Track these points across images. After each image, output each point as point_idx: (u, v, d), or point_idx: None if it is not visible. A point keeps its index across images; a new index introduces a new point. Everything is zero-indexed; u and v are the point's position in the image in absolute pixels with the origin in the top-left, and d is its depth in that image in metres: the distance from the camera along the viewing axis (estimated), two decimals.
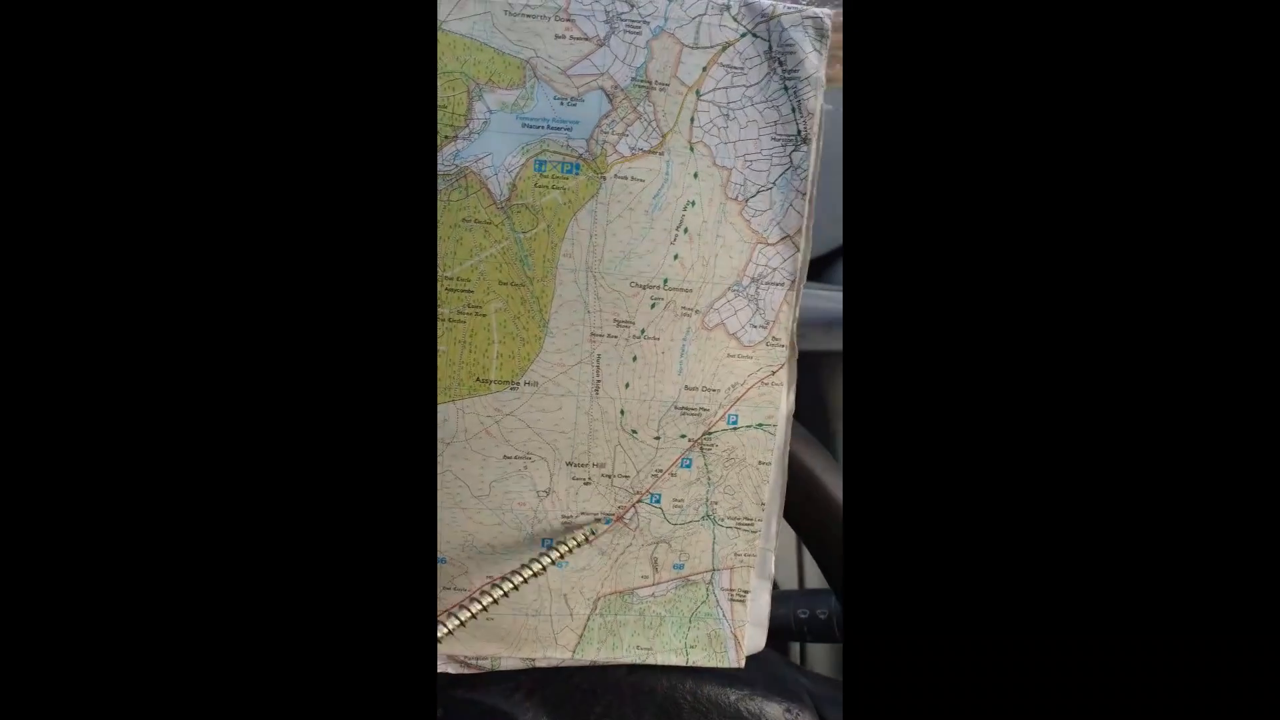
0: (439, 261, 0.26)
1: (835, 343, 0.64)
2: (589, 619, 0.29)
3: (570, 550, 0.27)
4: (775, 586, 0.62)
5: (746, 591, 0.30)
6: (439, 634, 0.24)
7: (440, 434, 0.27)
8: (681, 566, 0.29)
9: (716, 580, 0.29)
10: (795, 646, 0.62)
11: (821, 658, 0.63)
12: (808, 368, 0.70)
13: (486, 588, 0.26)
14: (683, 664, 0.30)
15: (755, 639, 0.30)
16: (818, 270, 0.86)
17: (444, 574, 0.28)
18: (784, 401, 0.28)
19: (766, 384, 0.28)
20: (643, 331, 0.27)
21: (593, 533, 0.28)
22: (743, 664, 0.30)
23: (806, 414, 0.71)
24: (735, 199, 0.26)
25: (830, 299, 0.73)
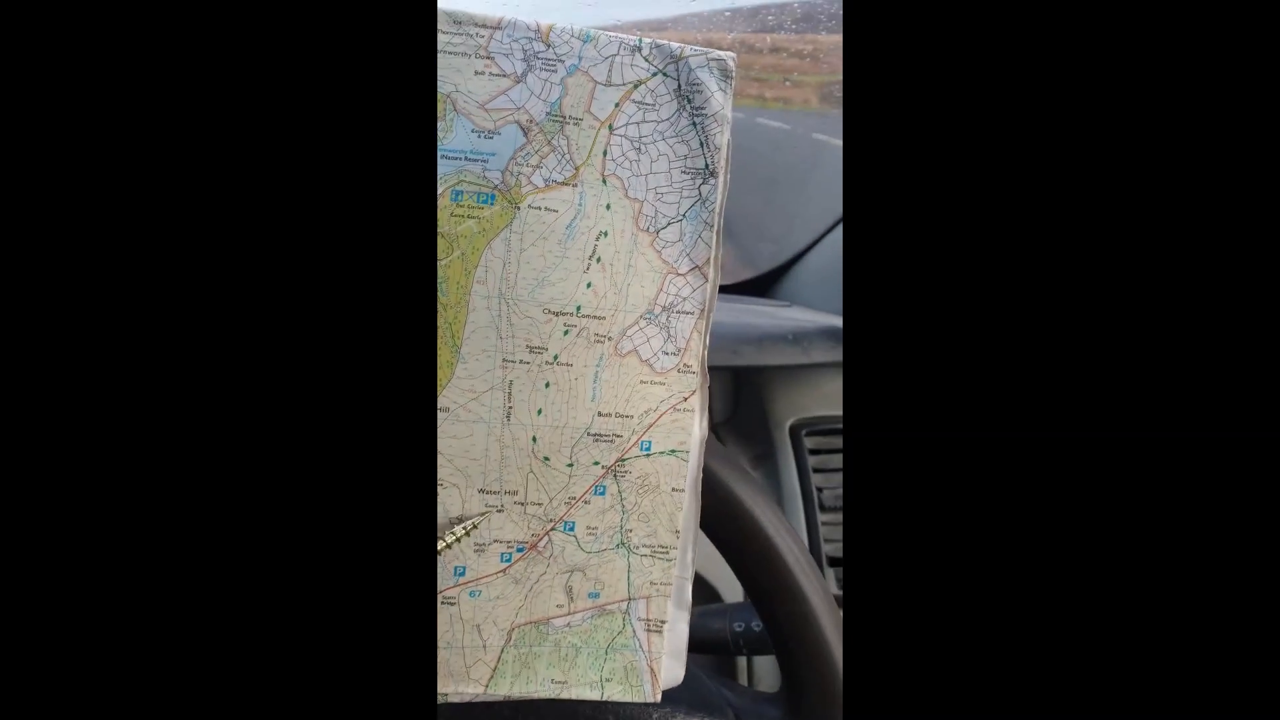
0: None
1: (774, 358, 0.66)
2: (503, 651, 0.29)
3: (449, 545, 0.27)
4: (720, 599, 0.62)
5: (664, 621, 0.30)
6: None
7: None
8: (597, 595, 0.29)
9: (633, 610, 0.29)
10: (742, 661, 0.62)
11: (768, 671, 0.63)
12: (749, 382, 0.72)
13: None
14: (598, 699, 0.29)
15: (673, 671, 0.30)
16: (764, 286, 0.88)
17: None
18: (696, 428, 0.29)
19: (679, 410, 0.29)
20: (555, 358, 0.27)
21: (475, 526, 0.28)
22: (658, 699, 0.30)
23: (748, 426, 0.72)
24: (647, 230, 0.27)
25: (770, 315, 0.74)
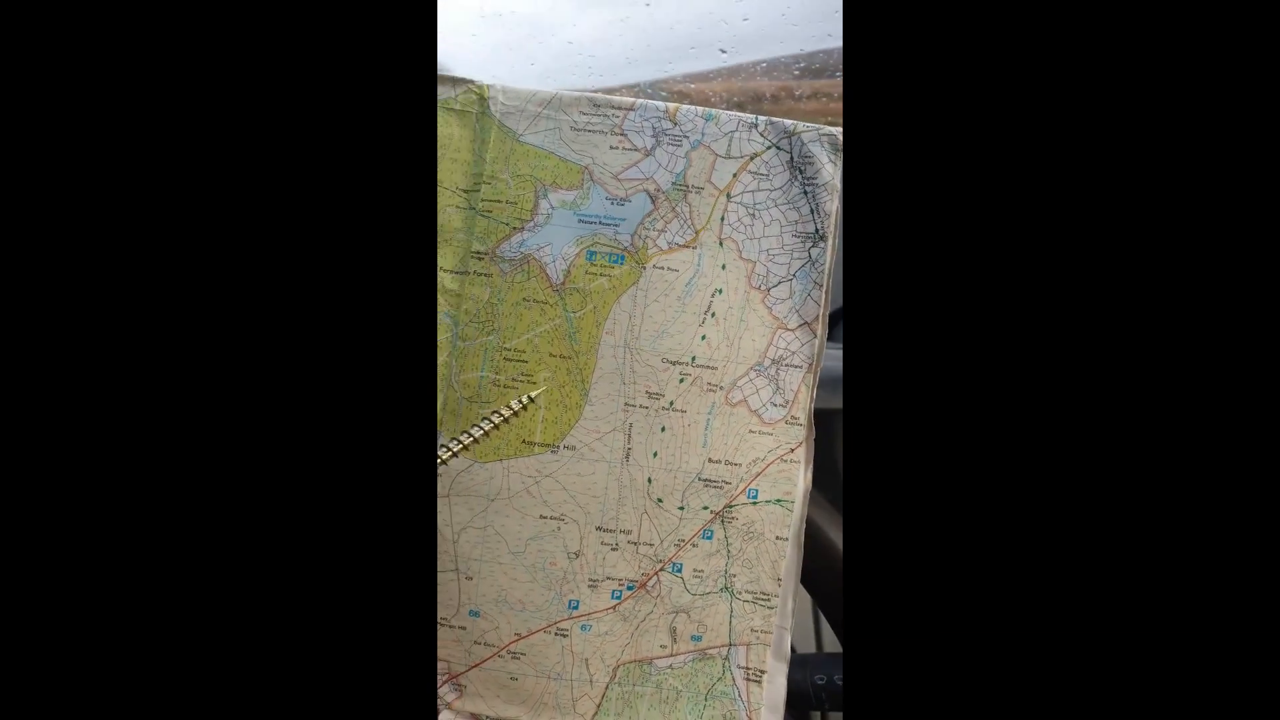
0: (500, 335, 0.30)
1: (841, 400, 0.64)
2: (608, 687, 0.30)
3: (524, 406, 0.29)
4: (792, 650, 0.59)
5: (763, 671, 0.30)
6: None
7: (485, 491, 0.29)
8: (699, 639, 0.30)
9: (733, 656, 0.30)
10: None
11: None
12: (819, 425, 0.70)
13: (469, 429, 0.29)
14: None
15: None
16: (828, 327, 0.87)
17: (475, 628, 0.30)
18: (801, 479, 0.30)
19: (785, 460, 0.30)
20: (671, 404, 0.29)
21: (530, 399, 0.30)
22: None
23: (819, 471, 0.70)
24: (759, 288, 0.30)
25: (837, 357, 0.73)
